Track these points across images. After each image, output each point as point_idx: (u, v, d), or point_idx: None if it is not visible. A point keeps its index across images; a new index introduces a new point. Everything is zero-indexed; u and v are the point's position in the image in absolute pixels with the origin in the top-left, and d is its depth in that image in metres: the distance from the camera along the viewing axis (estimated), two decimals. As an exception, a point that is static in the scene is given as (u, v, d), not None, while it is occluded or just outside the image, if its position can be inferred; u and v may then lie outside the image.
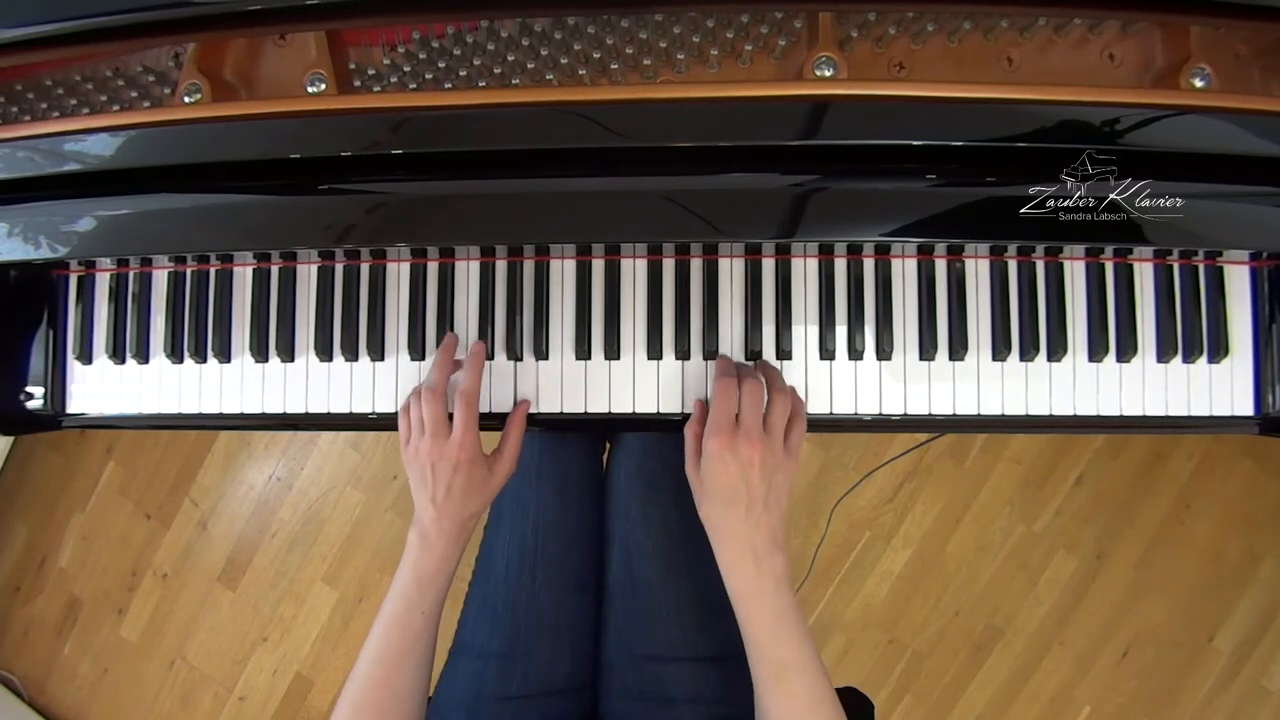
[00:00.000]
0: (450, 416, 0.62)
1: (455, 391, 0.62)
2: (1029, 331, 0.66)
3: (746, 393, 0.59)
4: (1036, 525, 1.39)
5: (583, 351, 0.67)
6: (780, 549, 0.58)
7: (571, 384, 0.68)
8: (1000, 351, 0.66)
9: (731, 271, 0.68)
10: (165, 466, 1.54)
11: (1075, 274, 0.66)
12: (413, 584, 0.61)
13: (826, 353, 0.66)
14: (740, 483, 0.57)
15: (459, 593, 0.77)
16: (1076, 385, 0.66)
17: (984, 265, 0.66)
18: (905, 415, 0.66)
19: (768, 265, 0.67)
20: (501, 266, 0.69)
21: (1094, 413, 0.66)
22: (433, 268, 0.69)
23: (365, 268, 0.69)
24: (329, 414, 0.70)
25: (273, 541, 1.51)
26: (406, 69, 0.63)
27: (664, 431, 0.68)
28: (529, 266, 0.68)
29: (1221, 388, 0.65)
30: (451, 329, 0.69)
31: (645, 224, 0.61)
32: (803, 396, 0.67)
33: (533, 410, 0.68)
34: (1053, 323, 0.65)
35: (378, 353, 0.69)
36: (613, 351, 0.67)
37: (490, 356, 0.68)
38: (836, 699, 0.56)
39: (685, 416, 0.66)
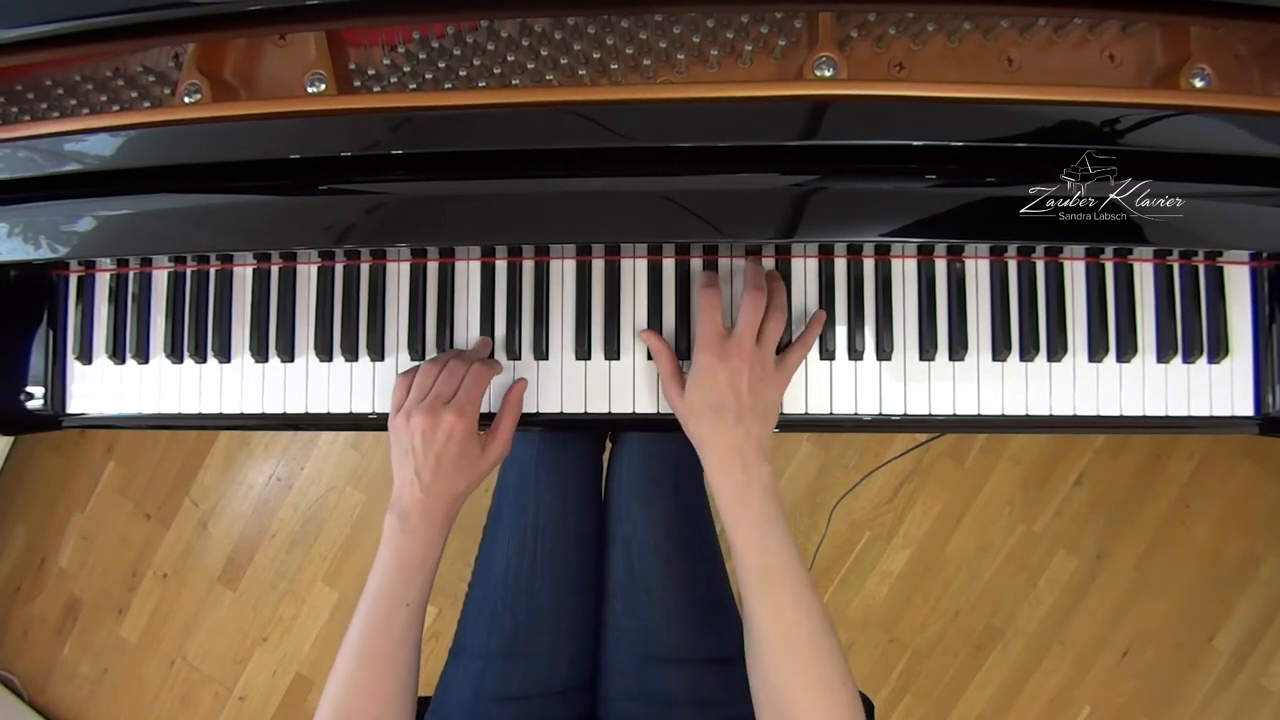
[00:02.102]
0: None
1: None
2: (1029, 332, 0.66)
3: (746, 304, 0.59)
4: (1036, 525, 1.39)
5: (583, 351, 0.67)
6: (767, 459, 0.58)
7: (571, 384, 0.68)
8: (1000, 352, 0.66)
9: (732, 271, 0.68)
10: (165, 466, 1.54)
11: (1075, 274, 0.66)
12: (396, 572, 0.57)
13: (826, 353, 0.66)
14: (729, 392, 0.58)
15: (459, 593, 0.77)
16: (1076, 385, 0.66)
17: (984, 265, 0.66)
18: (905, 415, 0.66)
19: (767, 265, 0.67)
20: (501, 266, 0.69)
21: (1094, 413, 0.66)
22: (433, 268, 0.69)
23: (365, 268, 0.69)
24: (329, 414, 0.70)
25: (273, 541, 1.51)
26: (406, 69, 0.63)
27: (665, 431, 0.68)
28: (529, 266, 0.68)
29: (1221, 388, 0.65)
30: (451, 329, 0.69)
31: (645, 224, 0.61)
32: (802, 397, 0.67)
33: (533, 410, 0.68)
34: (1052, 323, 0.65)
35: (378, 353, 0.69)
36: (613, 351, 0.67)
37: (490, 356, 0.68)
38: (825, 612, 0.54)
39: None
